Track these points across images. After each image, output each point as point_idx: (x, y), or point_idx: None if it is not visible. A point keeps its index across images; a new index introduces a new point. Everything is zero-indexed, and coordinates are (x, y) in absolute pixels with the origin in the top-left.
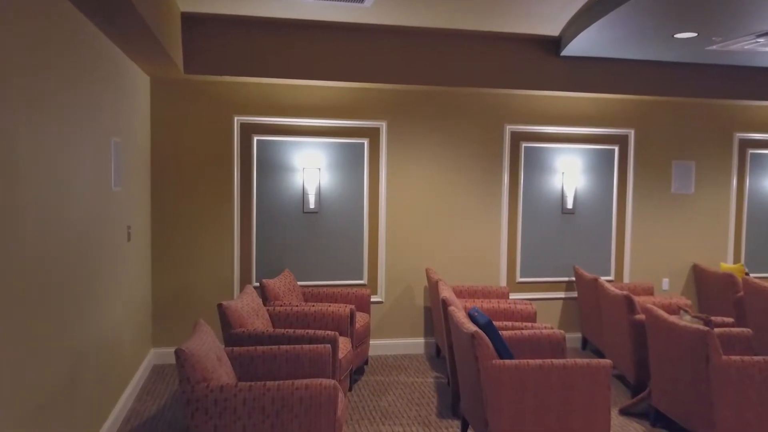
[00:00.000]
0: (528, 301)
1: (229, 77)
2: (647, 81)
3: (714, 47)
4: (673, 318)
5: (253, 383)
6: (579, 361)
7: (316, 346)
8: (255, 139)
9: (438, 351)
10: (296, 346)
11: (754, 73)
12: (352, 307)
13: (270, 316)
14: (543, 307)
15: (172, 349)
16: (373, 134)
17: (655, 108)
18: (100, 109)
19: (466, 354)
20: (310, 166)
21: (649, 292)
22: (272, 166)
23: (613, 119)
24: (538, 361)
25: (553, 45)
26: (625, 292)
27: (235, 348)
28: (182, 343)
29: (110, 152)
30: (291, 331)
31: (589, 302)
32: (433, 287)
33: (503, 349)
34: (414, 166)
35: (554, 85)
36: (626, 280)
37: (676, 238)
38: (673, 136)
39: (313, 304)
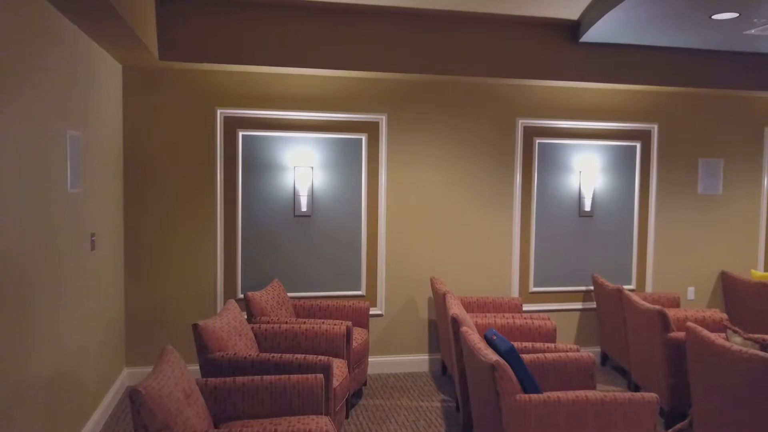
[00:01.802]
0: (546, 316)
1: (211, 65)
2: (673, 71)
3: (752, 31)
4: (721, 340)
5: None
6: (619, 395)
7: (306, 376)
8: (240, 134)
9: (444, 369)
10: (282, 376)
11: None
12: (349, 324)
13: (255, 334)
14: (559, 319)
15: (148, 369)
16: (371, 129)
17: (681, 101)
18: (52, 97)
19: (484, 385)
20: (302, 165)
21: (675, 303)
22: (260, 165)
23: (635, 113)
24: (571, 396)
25: (571, 30)
26: (658, 307)
27: (209, 379)
28: (140, 381)
29: (66, 147)
30: (277, 356)
31: (610, 315)
32: (439, 300)
33: (528, 381)
34: (417, 165)
35: (572, 75)
36: (649, 289)
37: (702, 243)
38: (699, 131)
39: (304, 320)
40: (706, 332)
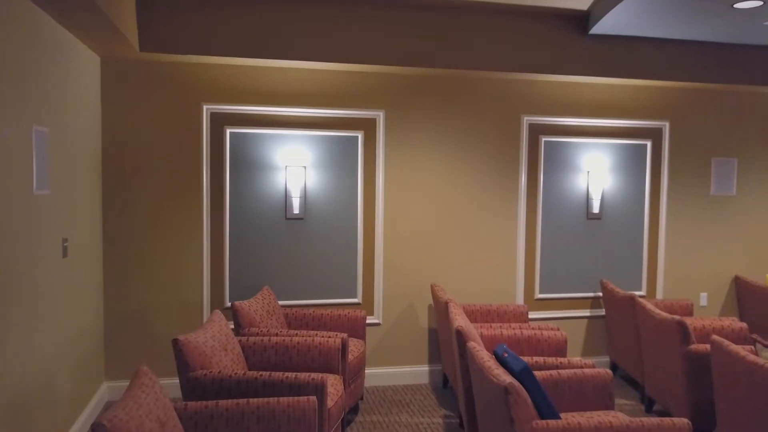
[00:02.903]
0: (555, 326)
1: (196, 57)
2: (685, 65)
3: None
4: (752, 356)
5: None
6: (646, 421)
7: (297, 399)
8: (228, 131)
9: (445, 381)
10: (271, 399)
11: None
12: (344, 336)
13: (243, 348)
14: (565, 327)
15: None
16: (368, 126)
17: (693, 97)
18: (14, 90)
19: (495, 408)
20: (294, 164)
21: (688, 310)
22: (249, 164)
23: (646, 110)
24: (593, 422)
25: (580, 21)
26: (677, 318)
27: (189, 403)
28: (105, 412)
29: (31, 145)
30: (266, 374)
31: (621, 323)
32: (441, 308)
33: (544, 405)
34: (416, 164)
35: (580, 70)
36: (659, 295)
37: (715, 247)
38: (713, 129)
39: (296, 332)
40: (733, 346)
